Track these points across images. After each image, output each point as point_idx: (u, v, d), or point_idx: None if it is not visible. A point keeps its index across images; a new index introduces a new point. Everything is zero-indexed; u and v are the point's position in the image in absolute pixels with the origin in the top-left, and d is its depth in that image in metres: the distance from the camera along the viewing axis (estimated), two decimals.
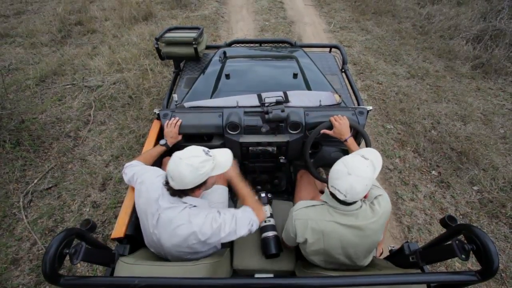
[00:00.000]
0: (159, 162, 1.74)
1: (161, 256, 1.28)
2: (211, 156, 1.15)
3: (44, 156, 2.96)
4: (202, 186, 1.17)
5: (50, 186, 2.68)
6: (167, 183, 1.14)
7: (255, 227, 1.24)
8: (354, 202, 1.10)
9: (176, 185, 1.11)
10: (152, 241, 1.22)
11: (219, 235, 1.15)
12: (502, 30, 4.59)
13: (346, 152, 1.71)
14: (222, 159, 1.23)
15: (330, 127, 1.60)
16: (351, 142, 1.55)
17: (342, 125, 1.56)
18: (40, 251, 2.22)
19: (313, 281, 0.90)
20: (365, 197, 1.14)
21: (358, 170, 1.04)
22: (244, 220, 1.21)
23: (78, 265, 2.15)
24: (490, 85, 4.08)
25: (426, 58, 4.62)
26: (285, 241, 1.35)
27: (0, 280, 2.05)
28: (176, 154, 1.12)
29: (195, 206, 1.18)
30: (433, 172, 2.90)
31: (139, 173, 1.32)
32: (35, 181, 2.70)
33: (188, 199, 1.17)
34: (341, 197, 1.06)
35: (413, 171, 2.89)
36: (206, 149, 1.17)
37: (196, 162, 1.09)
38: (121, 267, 1.10)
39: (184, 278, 0.96)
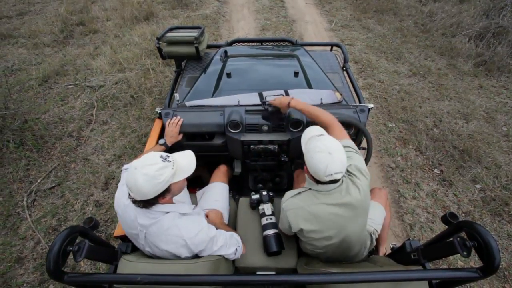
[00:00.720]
0: None
1: None
2: (170, 161, 1.08)
3: (47, 155, 2.99)
4: (166, 193, 1.09)
5: (53, 185, 2.70)
6: (129, 195, 1.07)
7: (239, 252, 1.28)
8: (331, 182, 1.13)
9: (136, 197, 1.04)
10: (149, 253, 1.22)
11: (212, 248, 1.17)
12: (505, 28, 4.56)
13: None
14: (184, 162, 1.16)
15: (278, 109, 1.64)
16: (295, 102, 1.53)
17: (276, 99, 1.60)
18: (44, 250, 2.24)
19: (314, 277, 0.90)
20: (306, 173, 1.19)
21: (331, 147, 1.09)
22: (234, 241, 1.27)
23: (82, 263, 2.17)
24: (493, 82, 4.06)
25: (428, 56, 4.60)
26: (283, 231, 1.38)
27: (5, 278, 2.08)
28: (132, 164, 1.07)
29: (170, 212, 1.14)
30: (435, 170, 2.89)
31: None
32: (39, 180, 2.73)
33: (159, 207, 1.11)
34: (339, 176, 1.09)
35: (415, 169, 2.88)
36: (165, 154, 1.10)
37: (151, 170, 1.01)
38: (124, 265, 1.11)
39: (186, 275, 0.97)
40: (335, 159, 1.07)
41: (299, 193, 1.23)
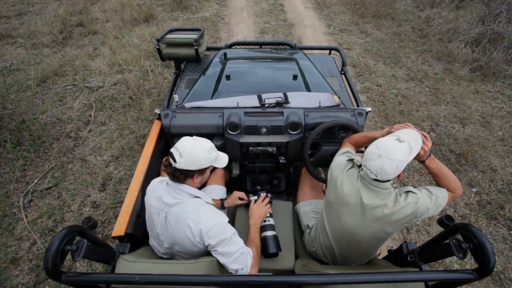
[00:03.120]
0: (159, 163, 1.75)
1: (160, 255, 1.29)
2: (215, 149, 1.26)
3: (44, 156, 2.97)
4: (202, 173, 1.23)
5: (50, 186, 2.69)
6: (169, 165, 1.17)
7: (245, 271, 1.14)
8: (386, 181, 1.15)
9: (182, 163, 1.13)
10: (157, 237, 1.23)
11: (222, 247, 1.13)
12: (500, 33, 4.63)
13: None
14: (223, 156, 1.33)
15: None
16: (431, 161, 1.27)
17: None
18: (40, 251, 2.23)
19: (312, 278, 0.91)
20: (398, 176, 1.16)
21: (390, 153, 1.07)
22: (243, 260, 1.15)
23: (78, 264, 2.15)
24: (489, 87, 4.11)
25: (425, 61, 4.65)
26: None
27: None
28: (187, 137, 1.22)
29: (197, 197, 1.22)
30: None
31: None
32: (35, 181, 2.71)
33: (187, 188, 1.20)
34: (372, 176, 1.12)
35: (412, 173, 2.90)
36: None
37: (207, 145, 1.20)
38: (122, 265, 1.10)
39: (184, 275, 0.97)
40: (381, 163, 1.07)
41: (352, 166, 1.30)
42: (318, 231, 1.41)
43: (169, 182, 1.23)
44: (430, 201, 1.15)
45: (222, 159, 1.31)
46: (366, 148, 1.21)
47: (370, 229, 1.19)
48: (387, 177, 1.10)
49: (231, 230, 1.18)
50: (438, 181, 1.27)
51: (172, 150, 1.18)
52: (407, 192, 1.19)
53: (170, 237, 1.18)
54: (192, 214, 1.14)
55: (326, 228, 1.34)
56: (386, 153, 1.07)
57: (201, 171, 1.21)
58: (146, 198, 1.30)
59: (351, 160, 1.33)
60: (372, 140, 1.35)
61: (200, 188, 1.75)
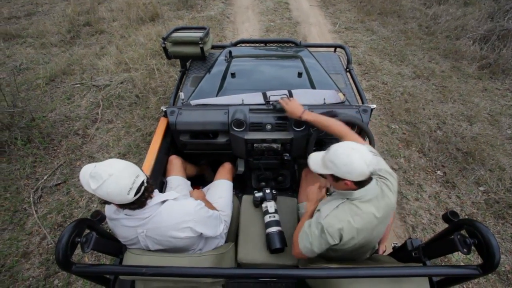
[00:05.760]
0: (165, 160, 1.78)
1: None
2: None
3: (53, 153, 3.03)
4: (147, 191, 1.12)
5: (59, 182, 2.75)
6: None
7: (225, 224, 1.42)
8: (372, 178, 1.10)
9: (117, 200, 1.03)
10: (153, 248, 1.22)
11: (215, 226, 1.28)
12: (510, 30, 4.54)
13: None
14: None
15: (282, 109, 1.65)
16: (307, 115, 1.53)
17: (289, 104, 1.59)
18: (50, 245, 2.28)
19: (316, 272, 0.92)
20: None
21: (353, 145, 1.06)
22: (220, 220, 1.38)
23: (86, 258, 2.20)
24: (497, 85, 4.04)
25: (432, 59, 4.59)
26: (304, 253, 1.18)
27: (11, 272, 2.11)
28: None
29: (167, 200, 1.18)
30: (438, 172, 2.88)
31: None
32: (45, 177, 2.77)
33: (150, 203, 1.13)
34: (364, 177, 1.04)
35: (418, 171, 2.88)
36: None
37: (123, 181, 1.03)
38: (129, 257, 1.13)
39: (190, 267, 0.99)
40: (363, 151, 1.04)
41: (337, 207, 1.12)
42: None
43: (127, 212, 1.12)
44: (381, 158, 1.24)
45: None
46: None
47: (384, 225, 1.18)
48: (374, 161, 1.06)
49: (204, 207, 1.27)
50: (330, 131, 1.43)
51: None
52: (382, 178, 1.17)
53: (162, 242, 1.18)
54: (173, 216, 1.14)
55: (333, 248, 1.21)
56: (351, 148, 1.05)
57: (142, 193, 1.07)
58: (112, 225, 1.20)
59: (330, 209, 1.14)
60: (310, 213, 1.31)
61: (203, 184, 1.79)
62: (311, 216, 1.23)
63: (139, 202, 1.08)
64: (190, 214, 1.17)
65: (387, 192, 1.14)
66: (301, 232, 1.19)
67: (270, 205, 1.54)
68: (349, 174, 1.04)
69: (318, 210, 1.18)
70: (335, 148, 1.09)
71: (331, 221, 1.10)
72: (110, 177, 0.97)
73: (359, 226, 1.09)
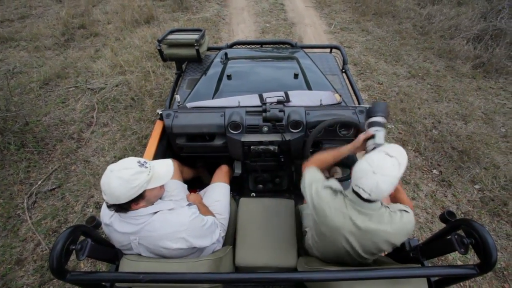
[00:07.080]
0: None
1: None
2: (147, 167, 1.09)
3: (47, 157, 3.00)
4: (140, 200, 1.09)
5: (53, 187, 2.71)
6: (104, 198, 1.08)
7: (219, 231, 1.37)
8: (376, 201, 1.07)
9: (109, 200, 1.05)
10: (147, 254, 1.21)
11: (210, 236, 1.25)
12: (502, 30, 4.60)
13: None
14: (162, 170, 1.16)
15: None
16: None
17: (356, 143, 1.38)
18: (44, 252, 2.25)
19: (315, 275, 0.91)
20: (390, 195, 1.13)
21: (383, 169, 1.00)
22: (215, 227, 1.34)
23: (82, 264, 2.17)
24: (491, 84, 4.09)
25: (427, 58, 4.63)
26: (307, 167, 1.31)
27: (5, 280, 2.07)
28: (109, 167, 1.06)
29: (159, 211, 1.15)
30: (434, 171, 2.90)
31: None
32: (39, 182, 2.73)
33: (141, 211, 1.12)
34: (365, 195, 1.03)
35: (414, 170, 2.90)
36: (143, 160, 1.11)
37: (127, 174, 1.03)
38: (125, 264, 1.11)
39: (187, 273, 0.98)
40: (376, 179, 1.00)
41: (336, 192, 1.16)
42: (314, 249, 1.35)
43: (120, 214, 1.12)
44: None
45: (160, 176, 1.14)
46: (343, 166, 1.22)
47: (370, 249, 1.14)
48: (382, 195, 1.01)
49: (200, 216, 1.26)
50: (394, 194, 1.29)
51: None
52: (401, 211, 1.13)
53: (155, 251, 1.16)
54: (166, 227, 1.13)
55: (322, 253, 1.29)
56: (380, 169, 0.99)
57: (137, 198, 1.08)
58: (107, 231, 1.20)
59: (333, 189, 1.18)
60: (339, 157, 1.34)
61: (200, 187, 1.77)
62: (351, 150, 1.32)
63: (127, 206, 1.08)
64: (184, 224, 1.15)
65: (384, 220, 1.09)
66: (318, 162, 1.33)
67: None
68: (355, 186, 1.07)
69: (329, 179, 1.25)
70: (373, 159, 1.06)
71: (324, 193, 1.17)
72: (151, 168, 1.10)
73: (337, 224, 1.11)
